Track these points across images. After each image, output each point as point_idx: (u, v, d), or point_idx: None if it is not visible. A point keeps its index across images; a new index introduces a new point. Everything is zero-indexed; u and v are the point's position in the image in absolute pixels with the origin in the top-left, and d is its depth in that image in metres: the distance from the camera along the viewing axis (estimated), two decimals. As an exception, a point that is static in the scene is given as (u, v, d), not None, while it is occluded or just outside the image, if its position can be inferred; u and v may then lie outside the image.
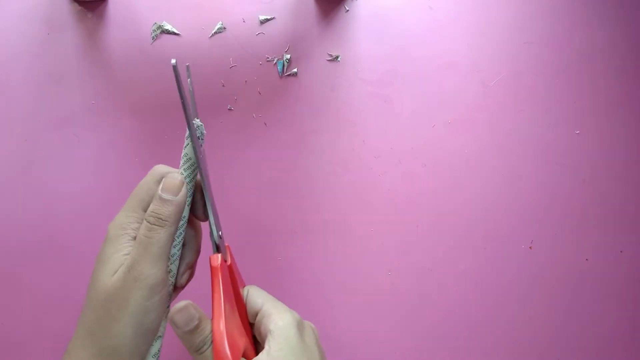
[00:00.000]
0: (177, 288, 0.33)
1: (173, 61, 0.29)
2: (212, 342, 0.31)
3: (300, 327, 0.32)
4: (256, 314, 0.34)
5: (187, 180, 0.33)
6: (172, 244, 0.31)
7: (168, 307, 0.32)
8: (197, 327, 0.31)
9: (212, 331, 0.30)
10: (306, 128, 0.53)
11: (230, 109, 0.52)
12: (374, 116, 0.53)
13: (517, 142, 0.53)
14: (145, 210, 0.32)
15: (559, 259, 0.52)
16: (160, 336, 0.33)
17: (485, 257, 0.52)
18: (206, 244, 0.35)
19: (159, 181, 0.32)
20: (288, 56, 0.53)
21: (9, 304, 0.49)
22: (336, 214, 0.52)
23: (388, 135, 0.53)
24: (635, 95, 0.54)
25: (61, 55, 0.52)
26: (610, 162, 0.53)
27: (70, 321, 0.49)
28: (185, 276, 0.33)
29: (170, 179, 0.32)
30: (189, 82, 0.34)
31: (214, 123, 0.52)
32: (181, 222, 0.32)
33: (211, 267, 0.32)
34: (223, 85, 0.53)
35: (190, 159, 0.32)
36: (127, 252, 0.30)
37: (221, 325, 0.30)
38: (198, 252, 0.34)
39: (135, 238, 0.31)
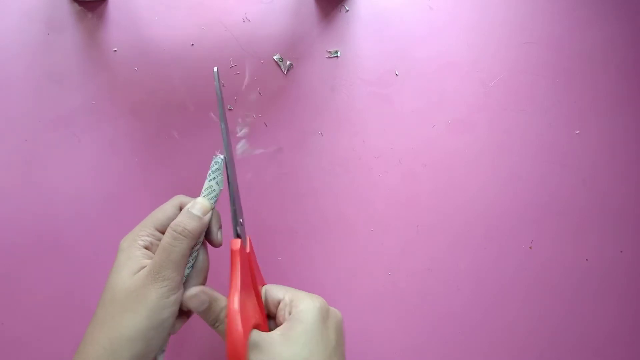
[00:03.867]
0: (183, 312, 0.36)
1: (215, 69, 0.34)
2: (224, 319, 0.34)
3: (322, 311, 0.34)
4: (277, 305, 0.36)
5: (212, 202, 0.37)
6: (189, 255, 0.35)
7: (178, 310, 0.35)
8: (208, 308, 0.34)
9: (227, 309, 0.33)
10: (306, 128, 0.53)
11: (230, 109, 0.52)
12: (374, 116, 0.53)
13: (517, 142, 0.53)
14: (157, 229, 0.36)
15: (559, 259, 0.52)
16: (164, 350, 0.35)
17: (485, 257, 0.52)
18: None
19: (177, 207, 0.36)
20: (288, 63, 0.53)
21: (9, 304, 0.49)
22: (336, 214, 0.52)
23: (388, 135, 0.53)
24: (635, 95, 0.54)
25: (61, 55, 0.52)
26: (610, 162, 0.53)
27: (71, 321, 0.49)
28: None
29: (201, 201, 0.36)
30: (216, 86, 0.37)
31: (214, 123, 0.52)
32: (198, 245, 0.36)
33: (231, 250, 0.35)
34: (223, 85, 0.53)
35: (213, 191, 0.37)
36: (142, 258, 0.34)
37: (235, 304, 0.32)
38: (205, 277, 0.37)
39: (145, 247, 0.34)
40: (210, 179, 0.36)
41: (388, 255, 0.51)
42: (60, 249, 0.50)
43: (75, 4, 0.53)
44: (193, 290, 0.34)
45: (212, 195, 0.37)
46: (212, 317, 0.34)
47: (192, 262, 0.36)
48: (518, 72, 0.54)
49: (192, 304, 0.34)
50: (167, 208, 0.36)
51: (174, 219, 0.35)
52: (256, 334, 0.32)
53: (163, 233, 0.36)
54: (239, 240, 0.36)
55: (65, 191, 0.51)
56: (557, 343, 0.51)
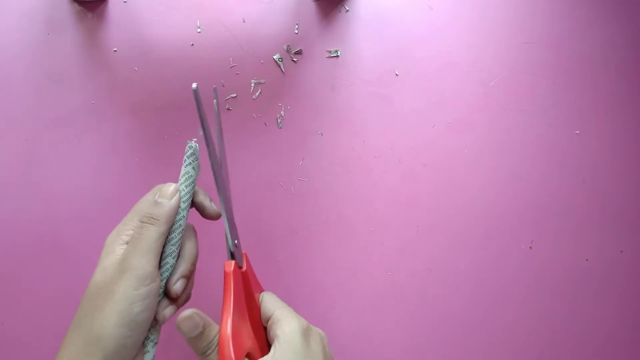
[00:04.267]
0: (173, 299, 0.34)
1: (194, 85, 0.32)
2: (217, 345, 0.33)
3: (306, 334, 0.34)
4: (268, 320, 0.36)
5: (185, 195, 0.35)
6: (162, 243, 0.33)
7: (158, 305, 0.33)
8: (201, 333, 0.33)
9: (219, 332, 0.32)
10: (306, 128, 0.53)
11: (229, 109, 0.52)
12: (374, 116, 0.53)
13: (517, 142, 0.53)
14: (141, 222, 0.34)
15: (559, 259, 0.52)
16: (154, 341, 0.33)
17: (485, 257, 0.52)
18: (223, 251, 0.37)
19: None
20: (293, 51, 0.53)
21: (9, 304, 0.49)
22: (336, 214, 0.52)
23: (388, 135, 0.53)
24: (635, 95, 0.54)
25: (61, 55, 0.52)
26: (610, 162, 0.53)
27: (71, 321, 0.49)
28: (179, 285, 0.34)
29: (165, 186, 0.35)
30: (215, 103, 0.36)
31: (214, 123, 0.52)
32: (177, 231, 0.34)
33: (224, 272, 0.34)
34: (223, 85, 0.53)
35: (190, 176, 0.35)
36: (120, 252, 0.32)
37: (228, 329, 0.32)
38: (193, 264, 0.36)
39: (127, 243, 0.33)
40: (187, 165, 0.35)
41: (388, 255, 0.51)
42: (60, 249, 0.50)
43: (75, 4, 0.53)
44: (187, 312, 0.33)
45: (189, 181, 0.35)
46: (204, 344, 0.33)
47: (177, 250, 0.34)
48: (518, 72, 0.54)
49: (184, 327, 0.32)
50: (149, 199, 0.35)
51: None
52: None
53: None
54: (232, 262, 0.35)
55: (65, 191, 0.51)
56: (557, 343, 0.51)
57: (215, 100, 0.36)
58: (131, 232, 0.33)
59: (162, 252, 0.34)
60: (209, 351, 0.33)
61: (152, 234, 0.32)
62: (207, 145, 0.34)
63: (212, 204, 0.37)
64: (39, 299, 0.49)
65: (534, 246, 0.52)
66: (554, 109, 0.54)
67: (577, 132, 0.53)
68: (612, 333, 0.51)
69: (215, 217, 0.37)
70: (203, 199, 0.37)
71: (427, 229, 0.52)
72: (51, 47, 0.52)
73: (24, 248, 0.50)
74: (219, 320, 0.33)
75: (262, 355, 0.34)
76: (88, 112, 0.52)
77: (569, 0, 0.55)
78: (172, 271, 0.34)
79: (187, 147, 0.35)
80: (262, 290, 0.39)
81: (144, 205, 0.34)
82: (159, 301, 0.34)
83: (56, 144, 0.51)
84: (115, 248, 0.33)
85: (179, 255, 0.35)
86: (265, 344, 0.37)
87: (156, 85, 0.52)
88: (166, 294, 0.34)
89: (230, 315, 0.32)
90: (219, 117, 0.37)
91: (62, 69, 0.52)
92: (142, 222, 0.33)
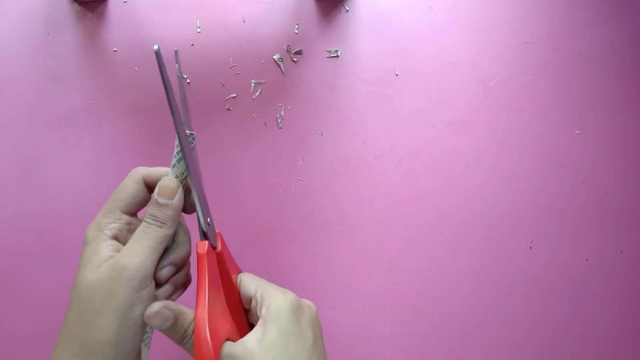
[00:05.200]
0: (157, 285, 0.32)
1: (155, 47, 0.29)
2: (192, 333, 0.30)
3: (294, 309, 0.32)
4: (250, 301, 0.34)
5: (182, 181, 0.33)
6: (166, 244, 0.31)
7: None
8: (174, 324, 0.30)
9: (194, 319, 0.30)
10: (306, 128, 0.53)
11: (229, 109, 0.52)
12: (374, 116, 0.53)
13: (517, 142, 0.53)
14: (123, 212, 0.32)
15: (559, 259, 0.52)
16: (146, 344, 0.32)
17: (485, 257, 0.52)
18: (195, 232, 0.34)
19: (140, 181, 0.33)
20: (293, 51, 0.53)
21: (9, 304, 0.49)
22: (336, 214, 0.52)
23: (388, 135, 0.53)
24: (635, 95, 0.54)
25: (61, 55, 0.52)
26: (610, 162, 0.53)
27: (70, 321, 0.49)
28: (165, 271, 0.32)
29: (165, 183, 0.32)
30: (177, 67, 0.34)
31: (214, 123, 0.52)
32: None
33: (197, 254, 0.32)
34: (223, 86, 0.53)
35: (182, 157, 0.32)
36: (106, 250, 0.30)
37: (204, 314, 0.30)
38: (186, 251, 0.33)
39: (113, 237, 0.31)
40: (178, 152, 0.33)
41: (388, 255, 0.51)
42: (60, 248, 0.50)
43: (75, 4, 0.53)
44: (154, 306, 0.29)
45: (182, 162, 0.32)
46: (179, 334, 0.31)
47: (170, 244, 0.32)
48: (518, 72, 0.54)
49: (154, 322, 0.29)
50: (129, 185, 0.32)
51: (138, 196, 0.32)
52: (229, 347, 0.29)
53: (130, 215, 0.32)
54: (206, 243, 0.32)
55: (65, 191, 0.51)
56: (557, 343, 0.51)
57: (177, 65, 0.33)
58: (114, 224, 0.31)
59: None
60: (185, 340, 0.31)
61: (158, 235, 0.30)
62: (172, 112, 0.31)
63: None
64: (39, 299, 0.49)
65: (534, 246, 0.52)
66: (554, 109, 0.54)
67: (577, 132, 0.53)
68: (612, 333, 0.51)
69: (188, 212, 0.34)
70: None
71: (427, 229, 0.52)
72: (51, 47, 0.52)
73: (24, 248, 0.50)
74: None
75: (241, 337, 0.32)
76: (88, 112, 0.52)
77: (569, 0, 0.55)
78: (162, 257, 0.32)
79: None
80: (239, 272, 0.36)
81: (123, 194, 0.32)
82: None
83: (56, 144, 0.51)
84: (100, 245, 0.30)
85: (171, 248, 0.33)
86: (247, 329, 0.34)
87: (156, 85, 0.52)
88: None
89: (206, 300, 0.30)
90: (182, 84, 0.33)
91: (62, 69, 0.52)
92: (147, 222, 0.31)
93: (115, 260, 0.29)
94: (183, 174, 0.33)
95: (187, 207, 0.34)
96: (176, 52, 0.34)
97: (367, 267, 0.51)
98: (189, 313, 0.31)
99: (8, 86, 0.51)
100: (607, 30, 0.55)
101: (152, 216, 0.31)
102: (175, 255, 0.32)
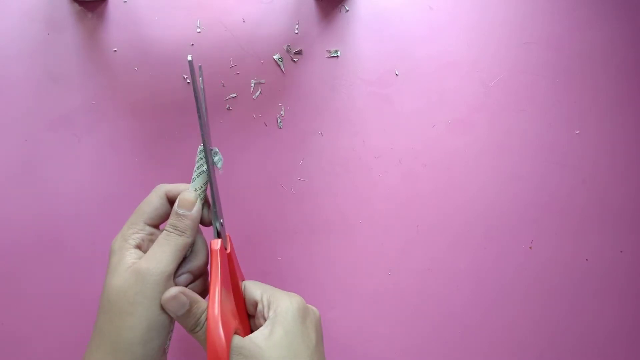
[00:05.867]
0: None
1: (189, 57, 0.31)
2: (205, 323, 0.33)
3: (300, 311, 0.34)
4: (255, 306, 0.35)
5: (201, 194, 0.36)
6: (185, 252, 0.34)
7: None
8: (188, 311, 0.32)
9: (207, 311, 0.32)
10: (306, 128, 0.53)
11: (229, 109, 0.52)
12: (374, 116, 0.53)
13: (517, 142, 0.53)
14: (147, 223, 0.35)
15: (559, 259, 0.52)
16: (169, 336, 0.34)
17: (485, 257, 0.52)
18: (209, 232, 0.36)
19: (163, 196, 0.35)
20: (293, 51, 0.53)
21: (9, 304, 0.49)
22: (336, 214, 0.52)
23: (388, 135, 0.53)
24: (635, 95, 0.54)
25: (61, 55, 0.52)
26: (610, 162, 0.53)
27: (71, 320, 0.49)
28: (183, 278, 0.34)
29: (185, 196, 0.35)
30: (200, 81, 0.36)
31: (214, 123, 0.52)
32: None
33: (211, 250, 0.34)
34: (223, 86, 0.53)
35: (205, 178, 0.35)
36: (130, 258, 0.33)
37: (216, 307, 0.31)
38: (203, 261, 0.36)
39: (137, 247, 0.34)
40: (198, 160, 0.35)
41: (388, 255, 0.51)
42: (60, 248, 0.50)
43: (75, 4, 0.53)
44: (172, 290, 0.32)
45: (202, 177, 0.35)
46: (192, 322, 0.33)
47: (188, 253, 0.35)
48: (518, 72, 0.54)
49: (171, 306, 0.32)
50: (152, 200, 0.35)
51: (161, 210, 0.35)
52: (238, 340, 0.32)
53: (153, 227, 0.35)
54: (219, 240, 0.35)
55: (65, 191, 0.51)
56: (557, 343, 0.51)
57: (200, 78, 0.35)
58: (137, 235, 0.34)
59: None
60: (197, 328, 0.33)
61: (179, 241, 0.33)
62: (201, 125, 0.34)
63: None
64: (39, 299, 0.49)
65: (534, 246, 0.52)
66: (554, 109, 0.54)
67: (577, 132, 0.53)
68: (612, 333, 0.51)
69: (206, 225, 0.37)
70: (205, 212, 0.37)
71: (427, 229, 0.52)
72: (51, 47, 0.52)
73: (24, 248, 0.50)
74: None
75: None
76: (88, 112, 0.52)
77: (568, 0, 0.55)
78: (180, 265, 0.34)
79: (199, 149, 0.35)
80: (243, 279, 0.38)
81: (147, 207, 0.35)
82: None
83: (56, 144, 0.51)
84: (124, 253, 0.33)
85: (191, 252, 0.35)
86: (248, 329, 0.36)
87: (156, 85, 0.52)
88: None
89: (217, 292, 0.32)
90: (204, 95, 0.35)
91: (62, 69, 0.52)
92: (168, 231, 0.33)
93: (140, 264, 0.32)
94: (202, 187, 0.35)
95: (205, 219, 0.36)
96: (200, 67, 0.36)
97: (367, 267, 0.51)
98: (202, 302, 0.33)
99: (8, 86, 0.51)
100: (607, 30, 0.55)
101: (173, 226, 0.33)
102: (193, 264, 0.35)
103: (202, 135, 0.34)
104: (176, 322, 0.34)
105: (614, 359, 0.51)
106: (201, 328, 0.33)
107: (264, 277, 0.51)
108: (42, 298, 0.49)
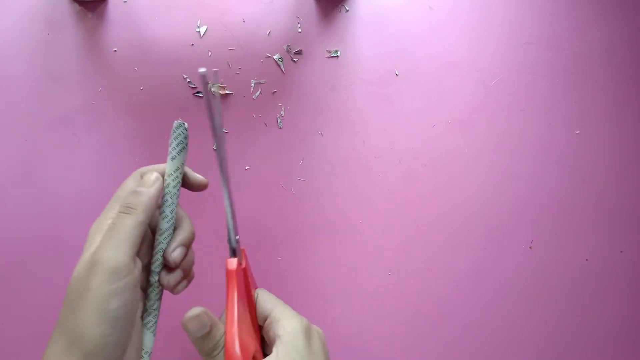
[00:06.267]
0: (172, 268, 0.33)
1: (202, 70, 0.30)
2: (223, 346, 0.31)
3: (307, 333, 0.33)
4: (265, 318, 0.35)
5: (175, 172, 0.34)
6: (140, 233, 0.31)
7: (159, 276, 0.33)
8: (208, 333, 0.31)
9: (225, 334, 0.31)
10: (306, 128, 0.53)
11: (229, 109, 0.52)
12: (374, 116, 0.53)
13: (517, 142, 0.53)
14: None
15: (559, 259, 0.52)
16: (151, 331, 0.32)
17: (486, 257, 0.52)
18: (224, 248, 0.35)
19: (138, 180, 0.34)
20: (293, 51, 0.53)
21: (9, 303, 0.49)
22: (336, 214, 0.52)
23: (388, 135, 0.53)
24: (635, 95, 0.54)
25: (61, 55, 0.52)
26: (610, 162, 0.53)
27: (70, 321, 0.49)
28: (177, 252, 0.33)
29: (147, 175, 0.33)
30: (216, 87, 0.35)
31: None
32: (169, 207, 0.33)
33: (227, 270, 0.33)
34: (223, 85, 0.53)
35: (182, 152, 0.35)
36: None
37: (234, 330, 0.31)
38: (191, 232, 0.35)
39: None
40: (177, 142, 0.35)
41: (388, 255, 0.51)
42: (60, 248, 0.50)
43: (75, 4, 0.53)
44: (195, 310, 0.30)
45: (181, 157, 0.35)
46: (211, 345, 0.31)
47: (171, 227, 0.33)
48: (518, 72, 0.54)
49: (191, 326, 0.30)
50: (129, 184, 0.33)
51: None
52: None
53: None
54: (235, 260, 0.33)
55: (65, 191, 0.51)
56: (557, 342, 0.51)
57: (217, 85, 0.35)
58: (111, 221, 0.31)
59: (159, 229, 0.33)
60: (215, 352, 0.32)
61: (127, 223, 0.30)
62: (215, 135, 0.32)
63: (196, 175, 0.36)
64: (39, 299, 0.49)
65: (534, 246, 0.52)
66: (554, 109, 0.54)
67: (577, 132, 0.53)
68: (612, 333, 0.51)
69: (202, 186, 0.36)
70: (188, 171, 0.35)
71: (427, 229, 0.52)
72: (51, 47, 0.52)
73: (24, 248, 0.50)
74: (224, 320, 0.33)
75: (262, 355, 0.34)
76: (88, 112, 0.52)
77: (569, 0, 0.55)
78: (169, 241, 0.33)
79: (175, 125, 0.34)
80: (256, 287, 0.38)
81: (123, 192, 0.33)
82: (159, 272, 0.33)
83: (56, 144, 0.51)
84: (97, 239, 0.31)
85: (174, 230, 0.34)
86: (261, 343, 0.36)
87: (156, 85, 0.52)
88: (165, 266, 0.33)
89: (235, 316, 0.31)
90: (219, 103, 0.35)
91: (62, 69, 0.52)
92: (120, 212, 0.31)
93: (91, 254, 0.30)
94: (178, 169, 0.35)
95: (194, 185, 0.35)
96: (216, 72, 0.35)
97: (367, 267, 0.51)
98: (221, 325, 0.32)
99: (8, 86, 0.51)
100: (607, 30, 0.55)
101: (125, 204, 0.31)
102: (182, 236, 0.33)
103: (218, 152, 0.33)
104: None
105: (614, 359, 0.51)
106: (219, 352, 0.32)
107: (264, 277, 0.51)
108: (42, 298, 0.49)
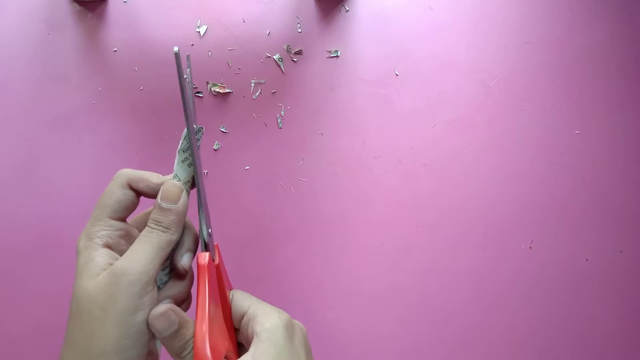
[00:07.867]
0: (182, 275, 0.32)
1: (175, 48, 0.28)
2: (192, 346, 0.30)
3: (288, 328, 0.31)
4: (242, 318, 0.33)
5: (185, 182, 0.32)
6: (170, 250, 0.30)
7: (176, 260, 0.31)
8: (176, 332, 0.29)
9: (194, 333, 0.29)
10: (306, 128, 0.53)
11: (229, 109, 0.52)
12: (374, 116, 0.53)
13: (517, 142, 0.53)
14: (112, 218, 0.31)
15: (559, 259, 0.52)
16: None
17: (486, 256, 0.52)
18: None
19: (125, 186, 0.32)
20: (293, 51, 0.53)
21: (9, 302, 0.49)
22: (336, 214, 0.52)
23: (388, 135, 0.53)
24: (635, 95, 0.54)
25: (61, 55, 0.52)
26: (610, 162, 0.53)
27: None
28: (186, 258, 0.32)
29: (169, 187, 0.31)
30: (188, 72, 0.33)
31: (214, 123, 0.52)
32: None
33: (198, 265, 0.31)
34: (223, 85, 0.53)
35: (187, 158, 0.32)
36: (101, 259, 0.30)
37: (204, 328, 0.29)
38: (196, 238, 0.33)
39: (105, 246, 0.30)
40: (184, 151, 0.32)
41: (388, 255, 0.51)
42: (60, 248, 0.50)
43: (75, 4, 0.53)
44: (160, 307, 0.28)
45: (187, 163, 0.32)
46: (179, 345, 0.29)
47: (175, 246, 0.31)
48: (518, 72, 0.54)
49: (158, 325, 0.28)
50: (114, 190, 0.31)
51: (125, 201, 0.31)
52: None
53: (119, 220, 0.31)
54: (207, 254, 0.31)
55: (65, 191, 0.51)
56: (557, 342, 0.51)
57: (188, 70, 0.32)
58: (104, 232, 0.30)
59: None
60: (184, 352, 0.30)
61: (161, 239, 0.30)
62: (186, 117, 0.30)
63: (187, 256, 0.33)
64: (38, 299, 0.49)
65: (534, 246, 0.52)
66: (554, 109, 0.54)
67: (577, 132, 0.53)
68: (612, 333, 0.51)
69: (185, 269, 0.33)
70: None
71: (427, 229, 0.52)
72: (51, 47, 0.52)
73: (24, 247, 0.50)
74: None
75: (237, 356, 0.32)
76: (88, 112, 0.52)
77: (569, 0, 0.55)
78: (176, 247, 0.31)
79: (196, 129, 0.32)
80: (231, 288, 0.36)
81: (110, 200, 0.31)
82: (170, 271, 0.31)
83: (56, 144, 0.51)
84: (92, 254, 0.29)
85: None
86: (236, 346, 0.34)
87: (156, 85, 0.52)
88: (172, 272, 0.31)
89: (206, 313, 0.29)
90: (191, 87, 0.33)
91: (62, 69, 0.52)
92: (151, 227, 0.30)
93: (115, 265, 0.29)
94: (187, 178, 0.32)
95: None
96: (188, 56, 0.33)
97: (367, 267, 0.51)
98: (191, 323, 0.30)
99: (8, 86, 0.51)
100: (607, 30, 0.55)
101: (156, 221, 0.30)
102: (188, 244, 0.32)
103: (188, 126, 0.31)
104: None
105: (613, 358, 0.51)
106: (189, 353, 0.30)
107: (264, 277, 0.51)
108: (42, 298, 0.49)
